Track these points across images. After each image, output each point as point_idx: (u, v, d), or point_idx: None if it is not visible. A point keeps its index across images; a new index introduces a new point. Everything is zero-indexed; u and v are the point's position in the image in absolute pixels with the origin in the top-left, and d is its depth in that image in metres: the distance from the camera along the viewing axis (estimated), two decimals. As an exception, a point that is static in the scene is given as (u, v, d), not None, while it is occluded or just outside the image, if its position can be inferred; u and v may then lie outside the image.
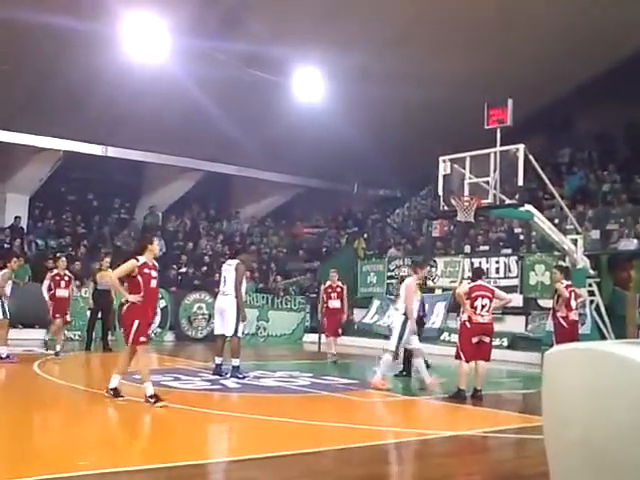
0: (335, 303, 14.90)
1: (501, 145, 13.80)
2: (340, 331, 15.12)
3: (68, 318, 14.18)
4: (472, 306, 9.85)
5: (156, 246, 8.86)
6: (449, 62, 17.56)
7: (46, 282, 13.95)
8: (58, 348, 13.53)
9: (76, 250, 20.60)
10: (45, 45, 15.71)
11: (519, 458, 6.82)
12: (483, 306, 9.86)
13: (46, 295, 13.85)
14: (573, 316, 11.43)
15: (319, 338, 16.79)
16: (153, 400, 7.83)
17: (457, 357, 9.94)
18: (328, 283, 15.23)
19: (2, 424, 7.43)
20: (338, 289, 14.95)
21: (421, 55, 17.39)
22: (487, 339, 9.91)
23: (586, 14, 16.65)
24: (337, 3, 16.29)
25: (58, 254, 19.83)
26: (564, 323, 11.29)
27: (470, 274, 12.12)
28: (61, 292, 13.95)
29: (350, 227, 26.75)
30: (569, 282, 11.52)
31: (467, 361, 9.79)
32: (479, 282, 10.24)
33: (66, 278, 14.14)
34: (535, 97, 19.36)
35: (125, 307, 8.49)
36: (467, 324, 9.88)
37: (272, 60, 17.32)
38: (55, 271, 14.17)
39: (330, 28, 16.68)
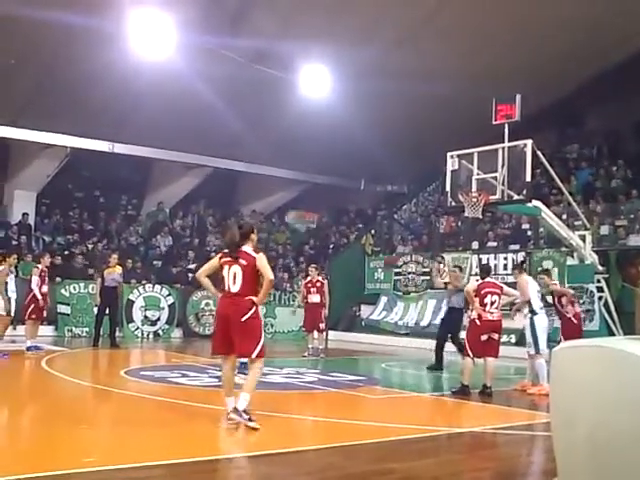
0: (314, 298, 14.88)
1: (509, 141, 13.76)
2: (322, 326, 15.07)
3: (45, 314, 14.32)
4: (482, 303, 9.81)
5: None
6: (457, 58, 17.50)
7: (35, 278, 13.68)
8: (29, 343, 13.38)
9: (87, 246, 20.69)
10: (52, 41, 15.73)
11: (527, 455, 6.80)
12: (492, 303, 9.82)
13: (37, 292, 13.59)
14: (578, 309, 11.53)
15: (326, 334, 16.77)
16: (247, 417, 6.65)
17: (465, 354, 9.91)
18: (308, 278, 15.29)
19: (9, 421, 7.46)
20: (318, 284, 14.96)
21: (429, 51, 17.33)
22: (496, 336, 9.87)
23: (595, 9, 16.54)
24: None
25: (66, 251, 19.99)
26: (574, 319, 11.29)
27: (478, 271, 12.05)
28: (45, 288, 13.92)
29: (357, 223, 26.73)
30: (555, 281, 11.65)
31: (474, 357, 9.76)
32: (488, 279, 10.23)
33: (47, 273, 14.14)
34: (544, 93, 19.26)
35: (249, 313, 6.75)
36: (477, 321, 9.80)
37: (279, 56, 17.29)
38: (40, 267, 13.92)
39: (337, 24, 16.63)
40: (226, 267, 6.87)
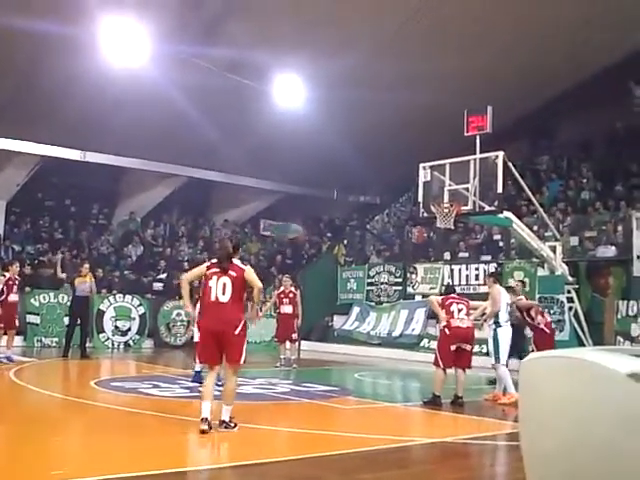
0: (287, 309, 14.89)
1: (481, 152, 13.89)
2: (295, 336, 15.05)
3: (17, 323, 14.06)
4: (448, 312, 9.81)
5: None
6: (430, 70, 17.61)
7: None
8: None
9: (55, 255, 20.45)
10: (23, 49, 15.58)
11: (498, 465, 6.84)
12: (459, 310, 9.81)
13: None
14: (548, 318, 11.66)
15: (299, 345, 16.74)
16: (233, 425, 7.09)
17: (436, 364, 9.81)
18: (281, 289, 15.27)
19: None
20: (290, 294, 14.96)
21: (402, 63, 17.43)
22: (467, 347, 9.78)
23: (568, 22, 16.78)
24: (318, 11, 16.28)
25: (36, 261, 19.76)
26: (546, 329, 11.41)
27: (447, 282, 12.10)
28: (13, 297, 13.77)
29: (330, 233, 26.76)
30: (520, 296, 11.77)
31: (445, 368, 9.72)
32: (451, 295, 10.29)
33: (17, 282, 13.96)
34: (515, 104, 19.49)
35: (240, 326, 7.11)
36: (446, 330, 9.75)
37: (253, 66, 17.29)
38: (7, 275, 13.76)
39: (312, 35, 16.69)
40: (214, 277, 7.16)
